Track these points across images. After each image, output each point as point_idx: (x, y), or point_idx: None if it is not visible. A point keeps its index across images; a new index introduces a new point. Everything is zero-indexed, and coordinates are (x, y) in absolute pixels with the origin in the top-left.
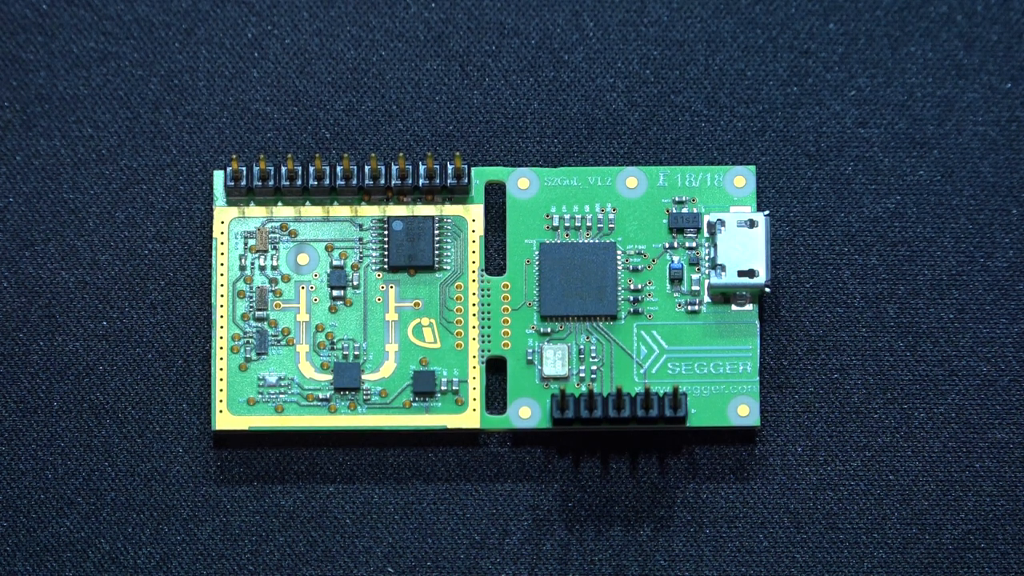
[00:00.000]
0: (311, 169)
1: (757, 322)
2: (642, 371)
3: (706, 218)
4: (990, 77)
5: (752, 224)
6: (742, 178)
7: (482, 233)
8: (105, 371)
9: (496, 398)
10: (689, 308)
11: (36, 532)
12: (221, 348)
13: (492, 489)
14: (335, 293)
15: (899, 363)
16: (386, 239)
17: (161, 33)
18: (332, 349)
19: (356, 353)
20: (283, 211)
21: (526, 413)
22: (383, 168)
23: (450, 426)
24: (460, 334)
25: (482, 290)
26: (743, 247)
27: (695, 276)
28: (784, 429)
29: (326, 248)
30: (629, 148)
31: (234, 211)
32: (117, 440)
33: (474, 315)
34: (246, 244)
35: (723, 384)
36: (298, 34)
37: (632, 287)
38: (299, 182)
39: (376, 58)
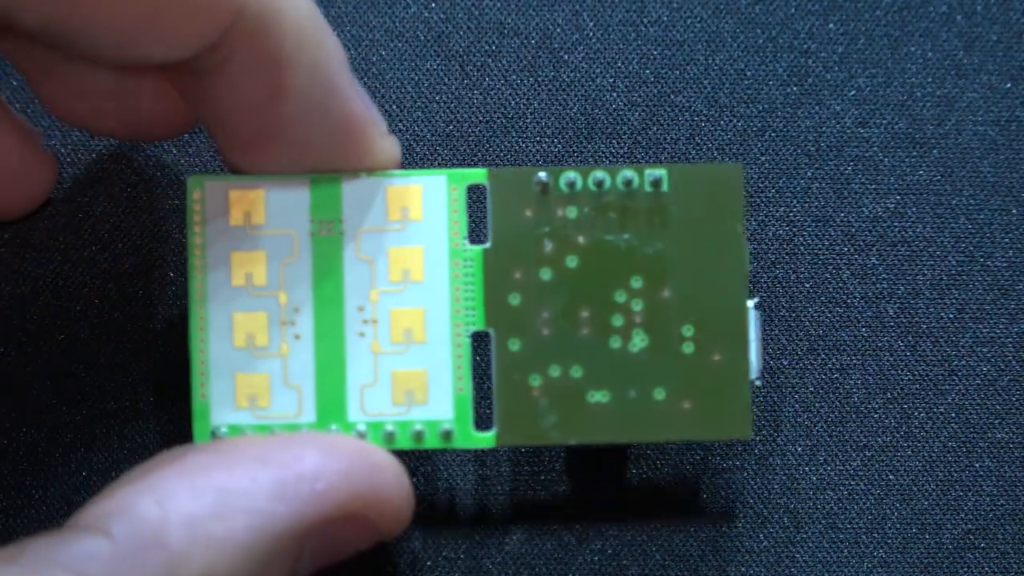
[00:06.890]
0: None
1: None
2: None
3: None
4: (990, 77)
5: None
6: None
7: None
8: (105, 371)
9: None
10: None
11: (36, 532)
12: None
13: (492, 489)
14: None
15: (899, 363)
16: None
17: None
18: None
19: None
20: None
21: None
22: None
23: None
24: None
25: None
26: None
27: None
28: (784, 429)
29: None
30: (629, 148)
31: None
32: (117, 440)
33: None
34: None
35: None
36: None
37: None
38: None
39: (376, 58)
